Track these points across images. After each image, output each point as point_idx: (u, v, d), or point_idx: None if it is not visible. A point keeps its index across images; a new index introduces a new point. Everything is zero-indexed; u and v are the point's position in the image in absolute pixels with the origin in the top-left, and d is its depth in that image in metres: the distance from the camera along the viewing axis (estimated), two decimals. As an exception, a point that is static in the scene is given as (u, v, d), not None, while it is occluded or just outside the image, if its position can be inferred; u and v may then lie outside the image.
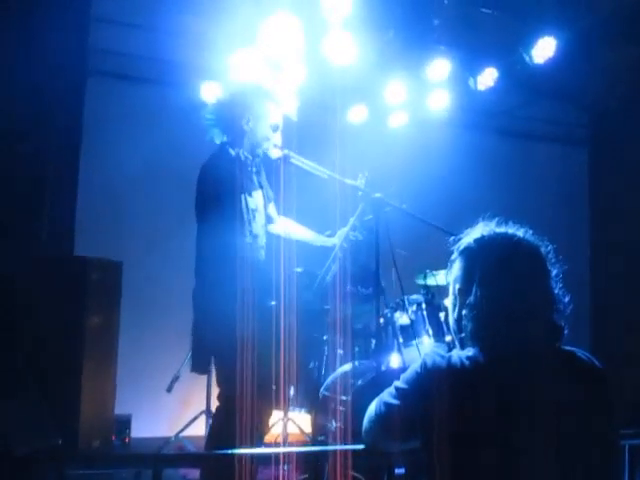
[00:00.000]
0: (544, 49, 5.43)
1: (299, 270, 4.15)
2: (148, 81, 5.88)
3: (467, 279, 1.75)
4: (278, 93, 3.50)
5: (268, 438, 4.41)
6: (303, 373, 4.28)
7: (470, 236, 1.80)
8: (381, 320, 3.90)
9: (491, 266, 1.71)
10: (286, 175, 3.35)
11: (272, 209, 3.56)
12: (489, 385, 1.58)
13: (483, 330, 1.68)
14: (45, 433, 3.84)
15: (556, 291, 1.73)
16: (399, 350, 4.07)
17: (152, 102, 5.74)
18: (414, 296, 4.32)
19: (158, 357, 5.30)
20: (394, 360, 4.05)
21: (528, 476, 1.53)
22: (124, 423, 5.25)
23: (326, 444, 3.63)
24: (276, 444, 4.40)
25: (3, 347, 4.01)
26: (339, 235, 3.73)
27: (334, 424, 3.63)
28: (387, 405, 1.73)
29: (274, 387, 3.07)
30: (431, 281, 4.50)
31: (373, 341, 4.32)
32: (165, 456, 3.16)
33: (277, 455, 2.04)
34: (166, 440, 4.87)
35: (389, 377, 1.89)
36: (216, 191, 3.15)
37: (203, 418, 5.02)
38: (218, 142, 3.40)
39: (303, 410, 4.65)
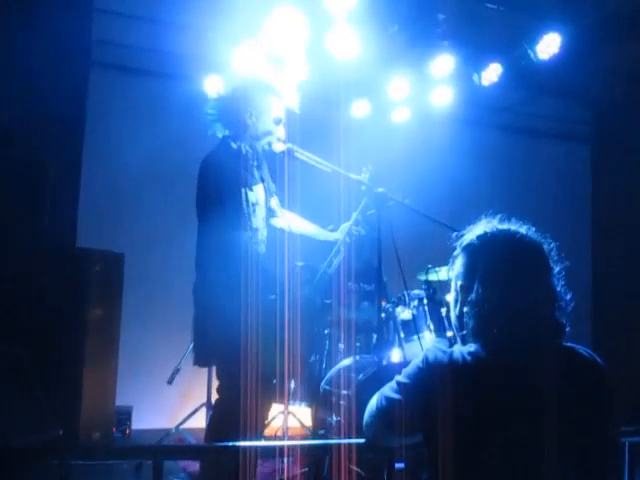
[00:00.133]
0: (549, 45, 5.41)
1: (301, 264, 4.16)
2: (151, 73, 5.87)
3: (469, 276, 1.75)
4: (280, 87, 3.49)
5: (269, 431, 4.43)
6: (304, 367, 4.29)
7: (473, 232, 1.80)
8: (382, 315, 3.91)
9: (493, 263, 1.71)
10: (290, 169, 3.35)
11: (275, 203, 3.56)
12: (490, 381, 1.58)
13: (484, 327, 1.68)
14: (46, 425, 3.85)
15: (558, 288, 1.73)
16: (400, 345, 4.08)
17: (155, 95, 5.73)
18: (416, 291, 4.32)
19: (159, 349, 5.31)
20: (395, 355, 4.06)
21: (529, 471, 1.53)
22: (125, 415, 5.27)
23: (327, 438, 3.64)
24: (277, 437, 4.41)
25: (4, 339, 4.01)
26: (342, 230, 3.73)
27: (335, 418, 3.64)
28: (388, 399, 1.73)
29: (275, 381, 3.08)
30: (433, 276, 4.50)
31: (374, 336, 4.33)
32: (165, 448, 3.16)
33: (278, 448, 2.05)
34: (167, 432, 4.88)
35: (390, 372, 1.89)
36: (216, 185, 3.15)
37: (204, 410, 5.03)
38: (220, 136, 3.39)
39: (304, 404, 4.66)
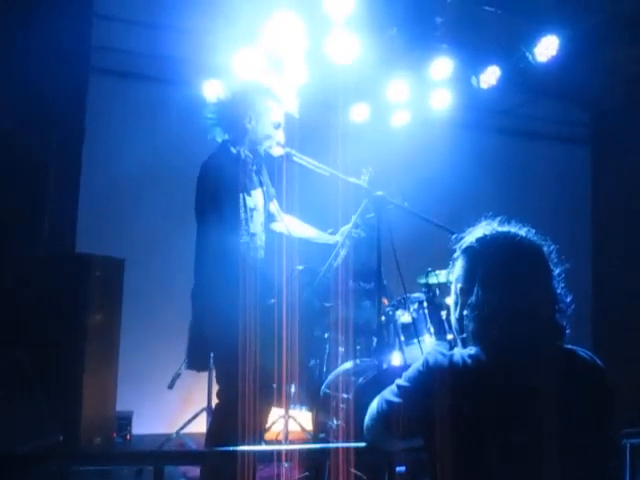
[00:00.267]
0: (547, 48, 5.42)
1: (300, 268, 4.16)
2: (150, 78, 5.87)
3: (469, 279, 1.75)
4: (279, 91, 3.50)
5: (269, 436, 4.43)
6: (304, 371, 4.29)
7: (472, 235, 1.80)
8: (382, 318, 3.91)
9: (493, 266, 1.71)
10: (288, 173, 3.36)
11: (274, 207, 3.56)
12: (491, 384, 1.58)
13: (484, 330, 1.68)
14: (46, 430, 3.84)
15: (558, 291, 1.73)
16: (400, 348, 4.08)
17: (154, 99, 5.74)
18: (415, 294, 4.32)
19: (160, 354, 5.31)
20: (395, 358, 4.06)
21: (529, 474, 1.53)
22: (125, 420, 5.27)
23: (327, 442, 3.64)
24: (277, 442, 4.41)
25: (5, 345, 4.01)
26: (341, 232, 3.74)
27: (335, 422, 3.63)
28: (389, 403, 1.73)
29: (274, 385, 3.08)
30: (432, 279, 4.50)
31: (374, 339, 4.33)
32: (166, 453, 3.16)
33: (278, 453, 2.05)
34: (167, 437, 4.87)
35: (390, 375, 1.89)
36: (215, 189, 3.15)
37: (204, 415, 5.03)
38: (220, 140, 3.40)
39: (304, 408, 4.65)
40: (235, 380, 2.81)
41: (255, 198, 3.32)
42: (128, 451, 4.47)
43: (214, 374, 3.39)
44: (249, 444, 2.68)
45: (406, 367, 1.76)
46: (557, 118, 7.43)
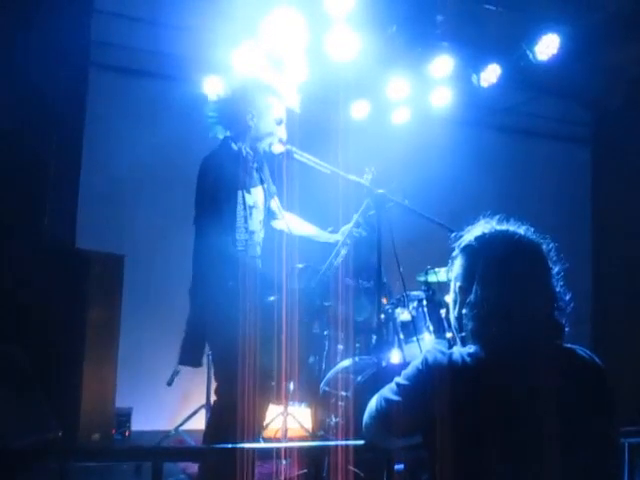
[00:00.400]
0: (547, 46, 5.41)
1: (300, 266, 4.16)
2: (150, 75, 5.88)
3: (468, 277, 1.75)
4: (280, 87, 3.49)
5: (268, 433, 4.43)
6: (303, 368, 4.29)
7: (471, 233, 1.80)
8: (382, 316, 3.91)
9: (492, 265, 1.71)
10: (289, 170, 3.35)
11: (275, 204, 3.55)
12: (490, 382, 1.58)
13: (483, 328, 1.68)
14: (45, 426, 3.85)
15: (557, 289, 1.73)
16: (400, 346, 4.09)
17: (154, 96, 5.74)
18: (415, 292, 4.33)
19: (159, 351, 5.30)
20: (395, 356, 4.07)
21: (529, 473, 1.53)
22: (124, 416, 5.28)
23: (326, 439, 3.64)
24: (276, 439, 4.41)
25: (4, 341, 4.01)
26: (342, 232, 3.73)
27: (334, 419, 3.64)
28: (388, 401, 1.73)
29: (273, 383, 3.08)
30: (432, 278, 4.51)
31: (374, 337, 4.33)
32: (165, 449, 3.16)
33: (277, 450, 2.05)
34: (166, 434, 4.88)
35: (390, 373, 1.89)
36: (214, 186, 3.14)
37: (203, 412, 5.04)
38: (221, 138, 3.39)
39: (303, 405, 4.66)
40: (234, 377, 2.81)
41: (255, 195, 3.32)
42: (127, 447, 4.47)
43: (212, 371, 3.39)
44: (248, 441, 2.68)
45: (405, 365, 1.76)
46: (557, 117, 7.43)
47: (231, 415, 2.79)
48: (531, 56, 5.50)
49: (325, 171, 3.33)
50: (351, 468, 2.01)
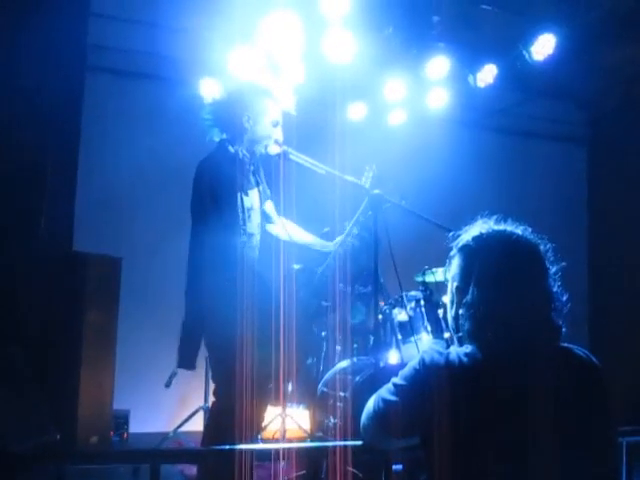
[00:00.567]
0: (544, 46, 5.42)
1: (298, 267, 4.16)
2: (146, 77, 5.87)
3: (465, 278, 1.75)
4: (276, 90, 3.49)
5: (266, 434, 4.43)
6: (301, 369, 4.29)
7: (469, 233, 1.80)
8: (380, 317, 3.91)
9: (489, 265, 1.71)
10: (285, 172, 3.35)
11: (270, 208, 3.55)
12: (487, 382, 1.58)
13: (480, 329, 1.68)
14: (43, 429, 3.84)
15: (554, 289, 1.73)
16: (397, 347, 4.09)
17: (151, 98, 5.74)
18: (413, 293, 4.33)
19: (156, 353, 5.30)
20: (392, 357, 4.07)
21: (527, 473, 1.53)
22: (122, 418, 5.27)
23: (324, 440, 3.64)
24: (274, 440, 4.41)
25: (2, 343, 4.01)
26: (336, 242, 3.74)
27: (332, 420, 3.64)
28: (385, 402, 1.73)
29: (271, 385, 3.08)
30: (430, 278, 4.51)
31: (372, 337, 4.33)
32: (163, 452, 3.16)
33: (275, 451, 2.05)
34: (164, 436, 4.87)
35: (387, 374, 1.89)
36: (212, 189, 3.14)
37: (201, 414, 5.03)
38: (217, 140, 3.39)
39: (301, 406, 4.66)
40: (232, 379, 2.81)
41: (252, 198, 3.32)
42: (125, 450, 4.48)
43: (210, 373, 3.38)
44: (246, 443, 2.68)
45: (403, 365, 1.76)
46: (554, 117, 7.44)
47: (229, 417, 2.79)
48: (527, 56, 5.51)
49: (321, 172, 3.34)
50: (349, 469, 2.01)
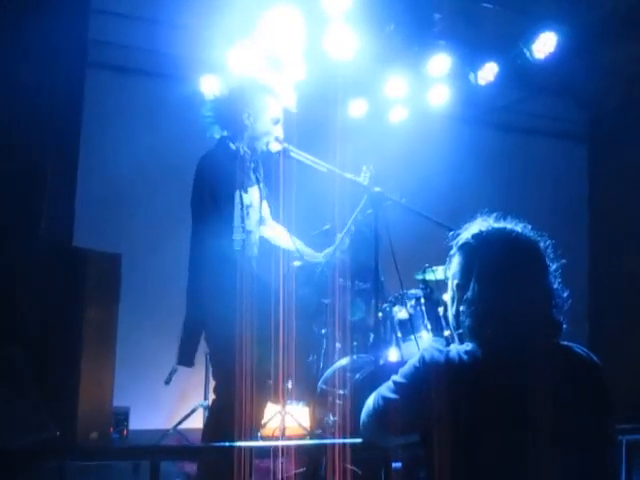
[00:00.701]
0: (545, 44, 5.42)
1: (297, 264, 4.16)
2: (147, 74, 5.87)
3: (465, 275, 1.75)
4: (277, 87, 3.48)
5: (266, 431, 4.43)
6: (301, 367, 4.29)
7: (469, 231, 1.80)
8: (380, 314, 3.91)
9: (489, 262, 1.71)
10: (286, 169, 3.35)
11: (265, 209, 3.55)
12: (487, 379, 1.58)
13: (480, 326, 1.68)
14: (43, 425, 3.84)
15: (555, 286, 1.73)
16: (397, 344, 4.09)
17: (151, 95, 5.73)
18: (413, 291, 4.33)
19: (156, 350, 5.31)
20: (392, 354, 4.07)
21: (526, 470, 1.53)
22: (122, 415, 5.27)
23: (324, 438, 3.64)
24: (274, 437, 4.41)
25: (2, 341, 4.01)
26: (326, 253, 3.73)
27: (332, 418, 3.64)
28: (385, 399, 1.73)
29: (270, 382, 3.08)
30: (430, 276, 4.51)
31: (372, 335, 4.33)
32: (163, 448, 3.16)
33: (275, 448, 2.05)
34: (164, 432, 4.88)
35: (387, 371, 1.89)
36: (212, 186, 3.14)
37: (201, 411, 5.04)
38: (218, 137, 3.38)
39: (301, 403, 4.66)
40: (232, 376, 2.82)
41: (251, 195, 3.32)
42: (125, 446, 4.48)
43: (210, 370, 3.39)
44: (246, 440, 2.68)
45: (403, 363, 1.75)
46: (554, 115, 7.43)
47: (229, 414, 2.79)
48: (528, 54, 5.51)
49: (322, 169, 3.33)
50: (349, 466, 2.01)
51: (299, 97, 3.58)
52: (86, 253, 4.91)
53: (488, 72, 5.88)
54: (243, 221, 3.17)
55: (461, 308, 1.73)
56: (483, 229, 1.77)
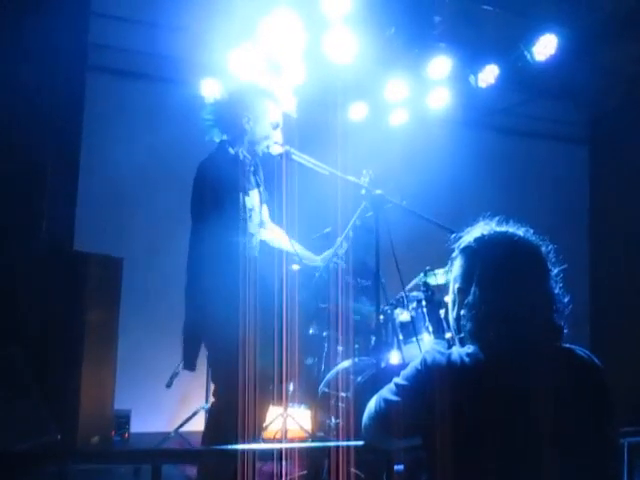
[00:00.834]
0: (545, 47, 5.42)
1: (297, 267, 4.16)
2: (147, 77, 5.87)
3: (466, 279, 1.75)
4: (277, 91, 3.49)
5: (268, 434, 4.43)
6: (303, 369, 4.29)
7: (470, 235, 1.80)
8: (381, 317, 3.91)
9: (490, 266, 1.71)
10: (287, 172, 3.35)
11: (265, 212, 3.55)
12: (489, 382, 1.58)
13: (482, 329, 1.68)
14: (44, 429, 3.84)
15: (556, 291, 1.73)
16: (399, 347, 4.09)
17: (151, 98, 5.74)
18: (414, 293, 4.33)
19: (157, 353, 5.30)
20: (394, 357, 4.07)
21: (528, 473, 1.53)
22: (123, 418, 5.26)
23: (326, 440, 3.64)
24: (276, 440, 4.41)
25: (2, 343, 4.01)
26: (324, 257, 3.74)
27: (334, 420, 3.64)
28: (387, 402, 1.73)
29: (271, 387, 3.07)
30: (431, 279, 4.50)
31: (373, 338, 4.33)
32: (164, 452, 3.15)
33: (277, 451, 2.05)
34: (165, 436, 4.87)
35: (389, 374, 1.89)
36: (214, 189, 3.14)
37: (202, 414, 5.03)
38: (218, 141, 3.39)
39: (303, 406, 4.66)
40: (232, 379, 2.81)
41: (252, 198, 3.32)
42: (126, 450, 4.47)
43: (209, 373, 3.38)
44: (246, 443, 2.68)
45: (404, 366, 1.76)
46: (555, 117, 7.43)
47: (229, 417, 2.79)
48: (529, 56, 5.51)
49: (323, 172, 3.34)
50: (351, 469, 2.01)
51: (299, 101, 3.58)
52: (87, 256, 4.91)
53: (488, 74, 5.88)
54: (245, 224, 3.18)
55: (462, 312, 1.74)
56: (485, 233, 1.77)
